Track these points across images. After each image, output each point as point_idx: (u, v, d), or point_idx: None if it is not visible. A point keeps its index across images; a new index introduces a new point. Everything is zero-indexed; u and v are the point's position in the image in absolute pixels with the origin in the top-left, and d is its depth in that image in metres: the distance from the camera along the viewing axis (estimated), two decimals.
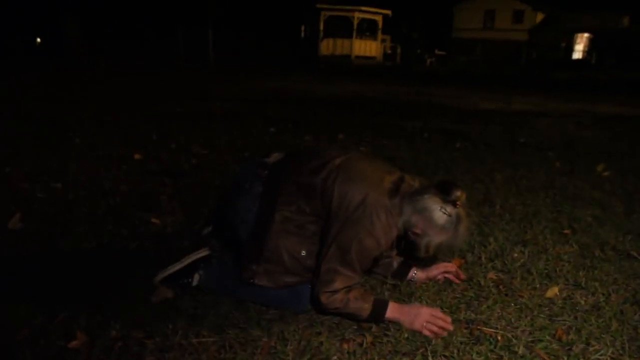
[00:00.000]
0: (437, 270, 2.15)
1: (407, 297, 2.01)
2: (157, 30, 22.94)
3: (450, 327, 1.75)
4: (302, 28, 27.48)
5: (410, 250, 1.91)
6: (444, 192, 1.81)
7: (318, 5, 25.04)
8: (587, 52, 34.68)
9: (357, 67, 22.83)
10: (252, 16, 26.61)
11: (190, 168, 3.85)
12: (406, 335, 1.71)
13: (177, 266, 2.00)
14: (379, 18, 26.65)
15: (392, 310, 1.78)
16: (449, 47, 35.28)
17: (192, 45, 20.02)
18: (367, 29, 26.92)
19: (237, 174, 2.09)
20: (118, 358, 1.57)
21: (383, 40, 28.51)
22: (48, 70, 14.32)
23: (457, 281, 2.14)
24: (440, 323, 1.75)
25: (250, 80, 13.35)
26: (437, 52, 32.23)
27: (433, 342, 1.68)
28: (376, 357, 1.60)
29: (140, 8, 23.62)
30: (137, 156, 4.13)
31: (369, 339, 1.69)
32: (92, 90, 9.74)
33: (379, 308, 1.77)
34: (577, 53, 35.63)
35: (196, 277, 1.99)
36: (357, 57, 25.50)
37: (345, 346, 1.65)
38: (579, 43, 36.21)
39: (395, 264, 2.15)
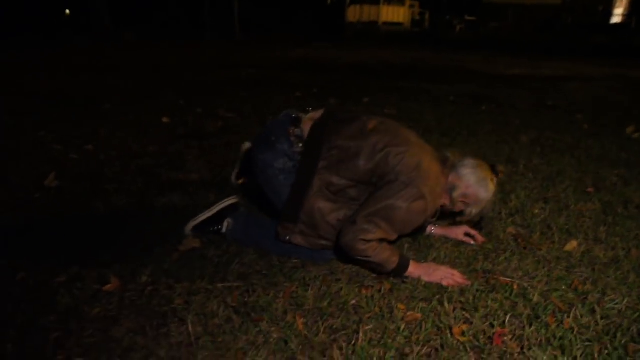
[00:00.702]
0: (457, 231, 2.17)
1: (426, 248, 2.06)
2: (183, 2, 22.92)
3: (468, 283, 1.79)
4: None
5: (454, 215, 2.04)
6: (491, 167, 1.96)
7: None
8: (627, 15, 33.29)
9: (384, 33, 22.50)
10: None
11: (216, 131, 3.93)
12: (423, 283, 1.77)
13: (207, 214, 2.09)
14: None
15: (414, 267, 1.83)
16: (479, 12, 34.34)
17: (218, 16, 19.96)
18: None
19: (267, 125, 2.08)
20: (149, 300, 1.66)
21: (411, 6, 27.93)
22: (77, 42, 14.52)
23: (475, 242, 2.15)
24: (458, 279, 1.79)
25: (276, 49, 13.32)
26: (467, 17, 31.42)
27: (449, 289, 1.73)
28: (393, 302, 1.66)
29: None
30: (165, 120, 4.23)
31: (387, 285, 1.75)
32: (120, 61, 9.87)
33: (403, 263, 1.82)
34: (616, 17, 34.21)
35: (225, 224, 2.06)
36: (385, 23, 25.11)
37: (364, 292, 1.71)
38: (618, 7, 34.75)
39: None
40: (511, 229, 2.26)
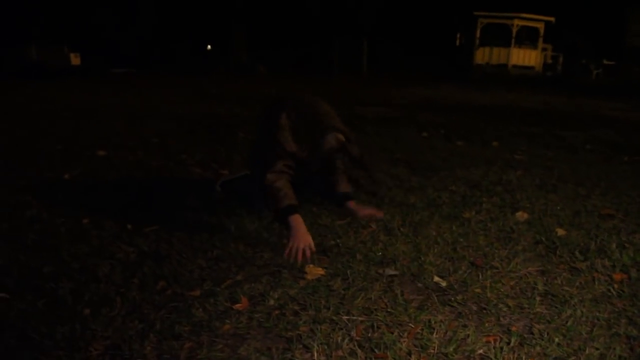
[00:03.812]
0: (364, 211, 2.75)
1: (560, 304, 1.92)
2: (314, 39, 23.95)
3: (299, 258, 2.17)
4: (458, 36, 26.91)
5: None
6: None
7: (475, 13, 24.31)
8: None
9: (513, 76, 21.81)
10: (407, 24, 26.64)
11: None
12: (556, 340, 1.66)
13: (231, 177, 3.15)
14: (540, 25, 25.15)
15: (297, 223, 2.30)
16: (620, 56, 32.13)
17: (347, 54, 20.59)
18: (527, 37, 25.55)
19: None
20: (276, 323, 1.72)
21: (544, 49, 26.83)
22: (216, 74, 15.66)
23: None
24: (300, 255, 2.17)
25: (403, 88, 13.42)
26: (605, 62, 29.53)
27: (587, 351, 1.61)
28: (524, 357, 1.57)
29: (300, 18, 24.83)
30: None
31: (517, 339, 1.66)
32: (254, 91, 10.48)
33: (289, 211, 2.33)
34: None
35: (240, 182, 3.02)
36: (514, 66, 24.32)
37: (492, 342, 1.64)
38: None
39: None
40: None
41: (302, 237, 2.24)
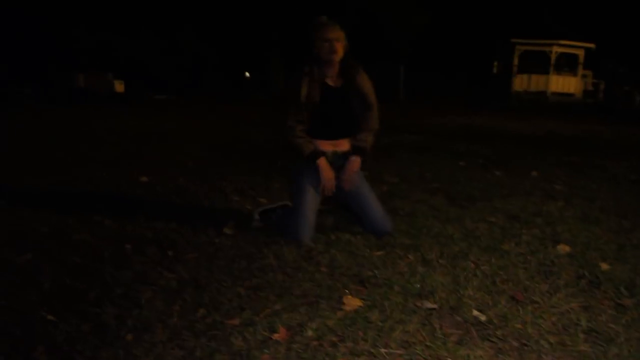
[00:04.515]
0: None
1: (605, 343, 1.87)
2: None
3: (325, 190, 2.89)
4: (495, 63, 26.76)
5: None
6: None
7: (513, 40, 24.19)
8: None
9: (553, 104, 21.49)
10: (444, 52, 26.64)
11: (381, 194, 4.01)
12: None
13: (271, 206, 3.25)
14: (580, 52, 24.81)
15: (324, 165, 2.85)
16: None
17: (383, 80, 20.69)
18: (566, 64, 25.21)
19: None
20: (314, 355, 1.73)
21: (584, 76, 26.39)
22: (254, 101, 15.96)
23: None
24: (328, 188, 2.88)
25: (439, 115, 13.37)
26: None
27: None
28: None
29: None
30: None
31: None
32: None
33: (315, 155, 2.84)
34: None
35: (279, 211, 3.16)
36: (553, 93, 23.99)
37: None
38: None
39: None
40: None
41: (328, 176, 2.86)
